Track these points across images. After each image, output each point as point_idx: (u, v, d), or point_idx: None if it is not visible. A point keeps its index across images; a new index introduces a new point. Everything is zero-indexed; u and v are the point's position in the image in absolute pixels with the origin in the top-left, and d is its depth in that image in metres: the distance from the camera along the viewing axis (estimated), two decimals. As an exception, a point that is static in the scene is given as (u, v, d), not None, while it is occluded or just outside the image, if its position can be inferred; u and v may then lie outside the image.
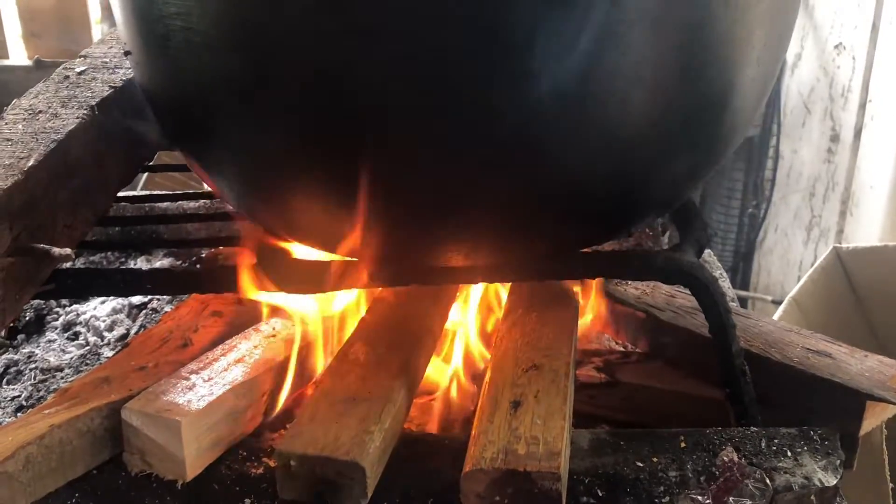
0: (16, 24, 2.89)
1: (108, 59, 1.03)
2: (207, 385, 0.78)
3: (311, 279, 0.83)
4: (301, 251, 0.87)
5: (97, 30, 2.75)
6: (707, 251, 1.35)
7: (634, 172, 0.74)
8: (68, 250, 0.67)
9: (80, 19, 2.79)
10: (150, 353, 0.86)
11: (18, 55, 2.91)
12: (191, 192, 1.14)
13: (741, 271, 2.90)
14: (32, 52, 2.87)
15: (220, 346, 0.86)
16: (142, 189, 2.11)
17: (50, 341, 1.11)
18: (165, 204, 1.23)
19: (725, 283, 1.27)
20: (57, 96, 0.92)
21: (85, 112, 0.87)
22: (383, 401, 0.76)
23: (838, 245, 1.83)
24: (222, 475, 0.76)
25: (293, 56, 0.64)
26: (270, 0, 0.62)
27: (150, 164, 1.07)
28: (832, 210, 2.43)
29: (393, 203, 0.72)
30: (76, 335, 1.12)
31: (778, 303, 2.39)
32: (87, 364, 1.04)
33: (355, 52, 0.62)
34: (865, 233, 2.29)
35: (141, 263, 1.28)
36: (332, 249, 0.82)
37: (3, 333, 1.11)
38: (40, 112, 0.87)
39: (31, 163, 0.75)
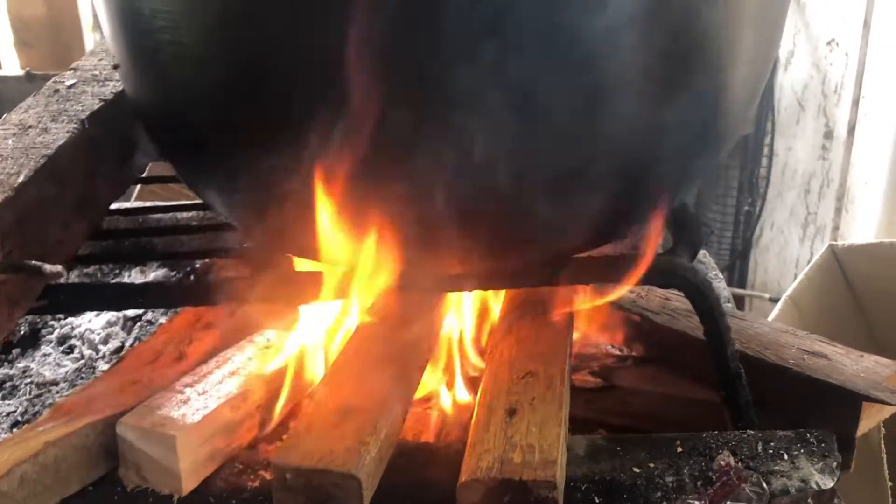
0: (7, 33, 2.88)
1: (98, 72, 1.03)
2: (202, 398, 0.78)
3: (303, 290, 0.82)
4: (293, 262, 0.87)
5: (89, 38, 2.75)
6: (702, 252, 1.35)
7: (626, 176, 0.74)
8: (59, 267, 0.67)
9: (71, 28, 2.79)
10: (145, 366, 0.86)
11: (11, 64, 2.91)
12: (184, 202, 1.14)
13: (738, 269, 2.90)
14: (25, 61, 2.86)
15: (215, 359, 0.85)
16: (135, 199, 2.10)
17: (45, 355, 1.11)
18: (159, 215, 1.23)
19: (721, 284, 1.27)
20: (47, 110, 0.92)
21: (75, 126, 0.87)
22: (378, 411, 0.76)
23: (834, 242, 1.83)
24: (218, 488, 0.76)
25: (279, 69, 0.64)
26: (257, 14, 0.62)
27: (143, 175, 1.07)
28: (827, 207, 2.43)
29: (385, 214, 0.72)
30: (71, 349, 1.11)
31: (775, 300, 2.38)
32: (82, 378, 1.04)
33: (342, 65, 0.62)
34: (861, 229, 2.29)
35: (135, 275, 1.28)
36: (323, 260, 0.82)
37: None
38: (30, 127, 0.87)
39: (21, 179, 0.75)
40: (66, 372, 1.05)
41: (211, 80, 0.68)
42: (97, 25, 2.59)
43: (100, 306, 0.80)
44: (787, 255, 2.67)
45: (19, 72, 2.84)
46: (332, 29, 0.61)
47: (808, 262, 1.84)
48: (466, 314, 0.96)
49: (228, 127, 0.70)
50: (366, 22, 0.61)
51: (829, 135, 2.42)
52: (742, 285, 2.88)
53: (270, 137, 0.68)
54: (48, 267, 0.68)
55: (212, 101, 0.69)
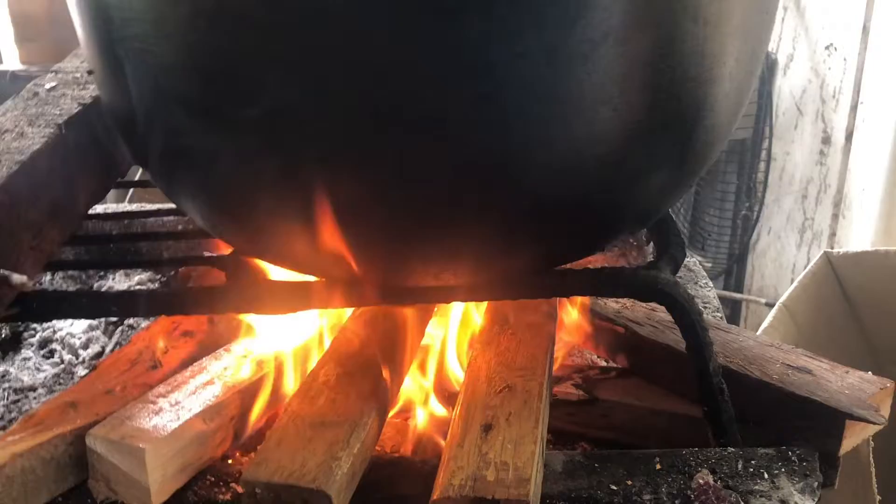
0: (9, 29, 2.88)
1: (79, 75, 1.02)
2: (174, 409, 0.77)
3: (282, 300, 0.81)
4: (273, 271, 0.85)
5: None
6: (693, 259, 1.34)
7: (606, 191, 0.73)
8: (24, 277, 0.66)
9: (72, 23, 2.78)
10: (119, 375, 0.85)
11: (12, 60, 2.90)
12: (171, 206, 1.13)
13: (735, 274, 2.89)
14: (25, 56, 2.86)
15: (190, 368, 0.84)
16: (129, 201, 2.09)
17: (25, 359, 1.10)
18: (144, 220, 1.22)
19: (711, 293, 1.25)
20: (25, 114, 0.90)
21: (52, 131, 0.86)
22: (353, 425, 0.75)
23: (829, 250, 1.82)
24: (189, 501, 0.74)
25: (249, 79, 0.63)
26: (226, 23, 0.61)
27: (136, 179, 1.06)
28: (825, 213, 2.41)
29: (363, 223, 0.71)
30: (52, 353, 1.10)
31: (772, 305, 2.36)
32: (60, 383, 1.03)
33: (313, 76, 0.61)
34: (858, 236, 2.27)
35: (119, 279, 1.27)
36: (302, 270, 0.81)
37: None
38: (6, 131, 0.86)
39: (-8, 185, 0.74)
40: (45, 377, 1.04)
41: (180, 90, 0.67)
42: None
43: (73, 314, 0.78)
44: (783, 261, 2.66)
45: (18, 66, 2.84)
46: (305, 38, 0.60)
47: (805, 267, 1.83)
48: (447, 326, 0.95)
49: (197, 136, 0.69)
50: (340, 33, 0.60)
51: (827, 140, 2.40)
52: (739, 290, 2.86)
53: (239, 147, 0.67)
54: (15, 277, 0.67)
55: (181, 111, 0.68)
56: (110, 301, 0.80)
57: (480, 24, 0.59)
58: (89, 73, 0.77)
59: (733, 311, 2.84)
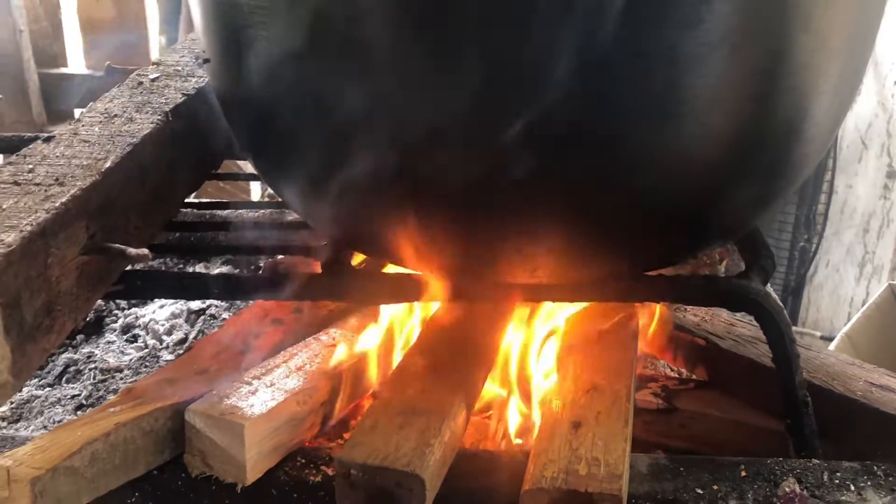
0: (77, 33, 2.95)
1: (180, 68, 1.05)
2: (270, 391, 0.79)
3: (374, 291, 0.83)
4: (366, 262, 0.87)
5: (155, 41, 2.80)
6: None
7: (705, 196, 0.74)
8: (145, 250, 0.68)
9: (136, 30, 2.84)
10: (212, 357, 0.87)
11: (77, 64, 2.97)
12: (251, 200, 1.15)
13: (790, 306, 2.86)
14: (91, 61, 2.92)
15: (281, 354, 0.86)
16: (194, 197, 2.12)
17: (109, 342, 1.13)
18: (226, 212, 1.24)
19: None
20: (132, 101, 0.94)
21: (159, 118, 0.89)
22: (442, 414, 0.76)
23: (893, 282, 1.81)
24: (281, 481, 0.76)
25: (373, 71, 0.65)
26: (358, 13, 0.63)
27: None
28: (886, 247, 2.39)
29: (460, 218, 0.73)
30: (135, 337, 1.13)
31: (827, 339, 2.35)
32: (145, 366, 1.05)
33: (431, 69, 0.63)
34: (920, 271, 2.25)
35: (199, 268, 1.29)
36: (396, 262, 0.83)
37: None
38: (115, 116, 0.89)
39: (108, 164, 0.77)
40: (131, 360, 1.07)
41: (303, 80, 0.69)
42: (164, 29, 2.64)
43: (174, 294, 0.81)
44: (841, 294, 2.64)
45: (85, 70, 2.90)
46: (434, 38, 0.62)
47: (864, 301, 1.82)
48: (529, 326, 0.96)
49: (318, 126, 0.71)
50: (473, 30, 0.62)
51: (892, 175, 2.38)
52: (794, 322, 2.84)
53: (360, 139, 0.69)
54: (133, 250, 0.69)
55: (300, 101, 0.70)
56: (212, 283, 0.82)
57: (600, 23, 0.61)
58: (205, 61, 0.79)
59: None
